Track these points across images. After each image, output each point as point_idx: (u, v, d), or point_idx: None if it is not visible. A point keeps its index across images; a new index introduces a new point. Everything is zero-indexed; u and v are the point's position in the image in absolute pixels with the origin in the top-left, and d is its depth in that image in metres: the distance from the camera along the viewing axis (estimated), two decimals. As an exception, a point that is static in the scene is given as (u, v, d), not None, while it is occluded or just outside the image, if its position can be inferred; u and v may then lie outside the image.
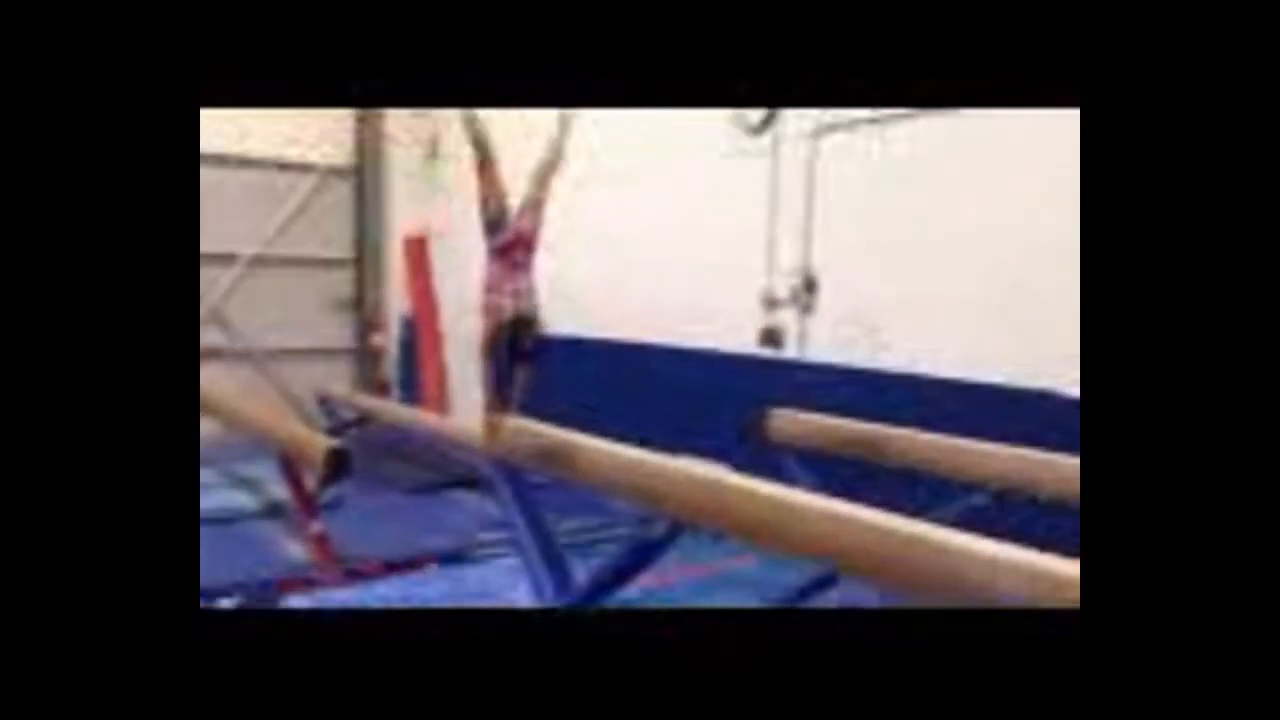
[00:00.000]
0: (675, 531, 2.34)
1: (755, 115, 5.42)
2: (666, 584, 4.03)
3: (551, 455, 2.94)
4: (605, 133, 6.25)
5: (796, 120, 5.24)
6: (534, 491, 3.26)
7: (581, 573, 2.95)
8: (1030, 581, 1.47)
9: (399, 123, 8.73)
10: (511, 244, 3.39)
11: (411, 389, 8.62)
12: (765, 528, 2.10)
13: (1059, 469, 2.82)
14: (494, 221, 3.38)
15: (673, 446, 4.67)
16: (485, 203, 3.43)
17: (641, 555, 2.48)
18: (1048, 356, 4.16)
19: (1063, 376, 4.10)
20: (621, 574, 2.52)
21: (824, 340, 5.24)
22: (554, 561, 2.97)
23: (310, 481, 4.06)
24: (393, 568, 4.29)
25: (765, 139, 5.45)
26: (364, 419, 5.95)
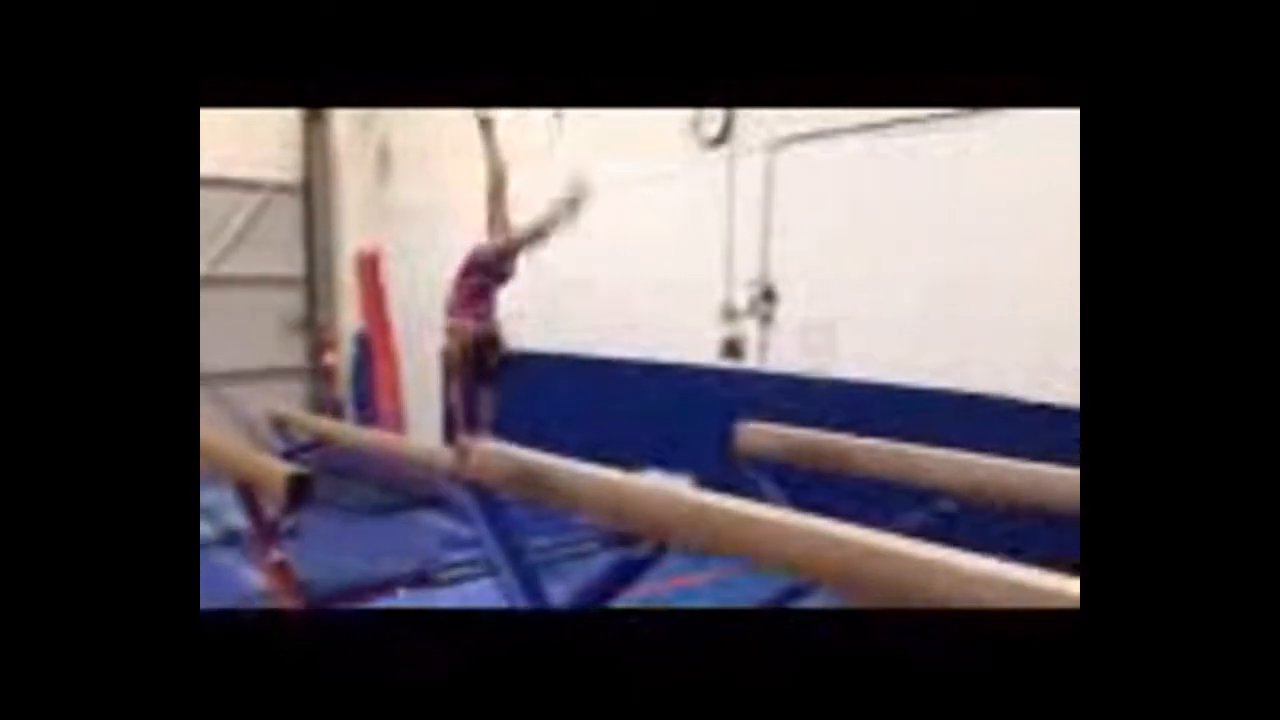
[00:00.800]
0: (660, 550, 2.34)
1: (712, 128, 5.46)
2: (656, 593, 4.00)
3: (525, 478, 2.91)
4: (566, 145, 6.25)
5: (755, 130, 5.29)
6: (504, 511, 3.23)
7: (555, 592, 2.93)
8: (1029, 601, 1.48)
9: (349, 129, 8.61)
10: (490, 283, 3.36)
11: (365, 408, 8.49)
12: (740, 546, 2.11)
13: (1027, 476, 2.87)
14: (490, 265, 3.33)
15: (636, 461, 4.67)
16: (490, 236, 3.37)
17: (625, 573, 2.46)
18: (1004, 363, 4.25)
19: (1011, 380, 4.19)
20: (605, 593, 2.51)
21: (785, 350, 5.29)
22: (529, 583, 2.94)
23: (270, 509, 3.97)
24: (359, 593, 4.21)
25: (722, 151, 5.49)
26: (320, 442, 5.83)
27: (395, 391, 8.21)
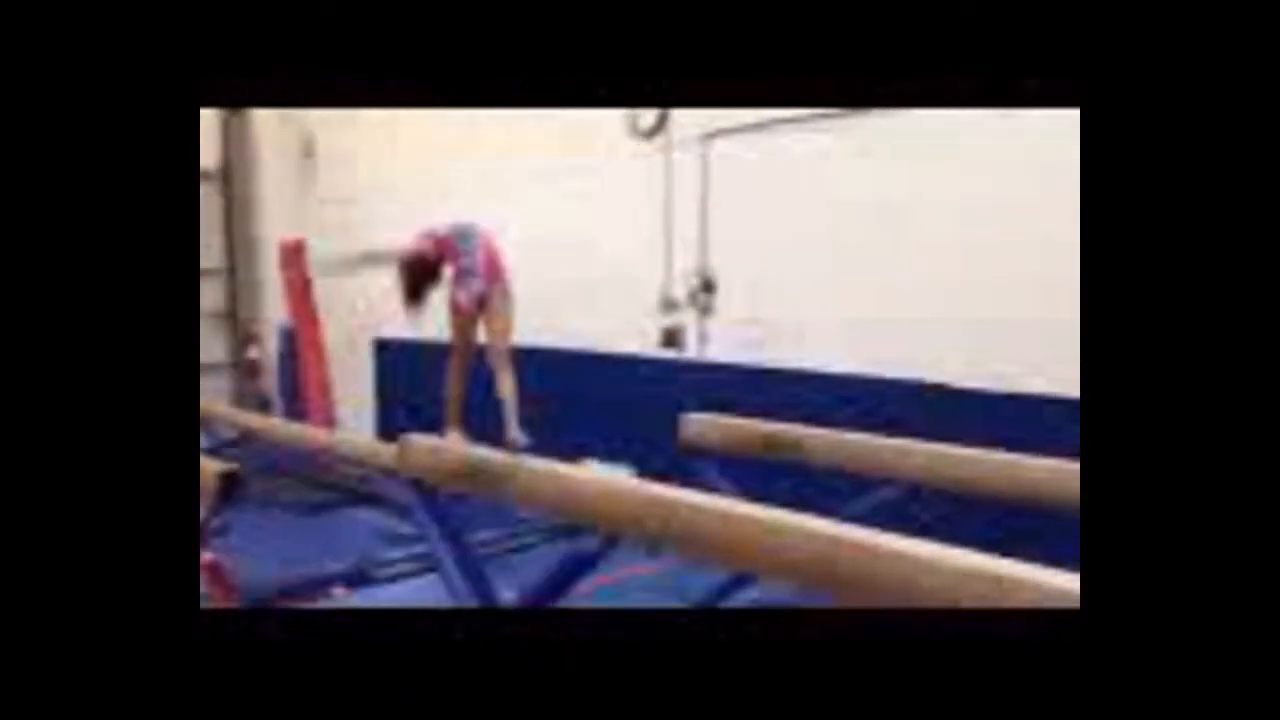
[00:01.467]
0: (610, 544, 2.32)
1: (648, 120, 5.44)
2: (596, 589, 3.97)
3: (469, 473, 2.85)
4: (509, 141, 6.19)
5: (692, 121, 5.28)
6: (447, 507, 3.16)
7: (500, 585, 2.88)
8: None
9: (270, 125, 8.34)
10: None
11: (293, 401, 8.24)
12: (709, 540, 2.10)
13: (974, 463, 2.93)
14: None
15: (575, 452, 4.63)
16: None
17: (574, 568, 2.44)
18: (945, 352, 4.35)
19: (952, 371, 4.28)
20: (555, 588, 2.48)
21: (724, 340, 5.31)
22: (476, 579, 2.89)
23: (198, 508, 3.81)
24: (296, 592, 4.08)
25: (658, 142, 5.47)
26: (246, 437, 5.64)
27: (324, 386, 7.98)
